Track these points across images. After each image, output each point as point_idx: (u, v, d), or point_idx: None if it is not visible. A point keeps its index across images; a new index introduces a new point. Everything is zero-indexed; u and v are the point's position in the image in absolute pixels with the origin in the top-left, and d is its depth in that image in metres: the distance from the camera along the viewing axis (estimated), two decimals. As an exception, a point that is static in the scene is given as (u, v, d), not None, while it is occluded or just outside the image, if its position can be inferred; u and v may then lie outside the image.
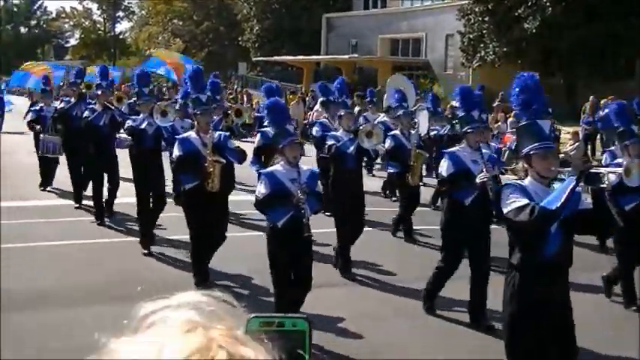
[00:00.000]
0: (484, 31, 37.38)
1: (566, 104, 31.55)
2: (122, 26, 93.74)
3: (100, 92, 13.22)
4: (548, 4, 33.07)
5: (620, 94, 27.75)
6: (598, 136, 23.27)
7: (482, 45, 37.69)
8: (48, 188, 16.59)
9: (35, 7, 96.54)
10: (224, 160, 9.06)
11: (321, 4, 55.05)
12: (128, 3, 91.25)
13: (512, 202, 5.57)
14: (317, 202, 7.80)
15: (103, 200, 13.20)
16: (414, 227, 12.78)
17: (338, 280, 10.14)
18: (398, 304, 9.28)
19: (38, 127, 16.19)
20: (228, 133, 9.81)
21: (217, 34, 74.29)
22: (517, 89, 6.09)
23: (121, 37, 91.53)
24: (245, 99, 39.75)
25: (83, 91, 15.51)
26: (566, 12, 32.64)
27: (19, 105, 30.71)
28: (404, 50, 50.05)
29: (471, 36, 38.50)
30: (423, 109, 15.61)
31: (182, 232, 10.60)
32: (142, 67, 18.34)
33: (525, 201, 5.50)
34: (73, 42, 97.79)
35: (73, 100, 14.98)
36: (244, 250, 10.73)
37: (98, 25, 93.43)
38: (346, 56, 49.07)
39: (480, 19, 37.39)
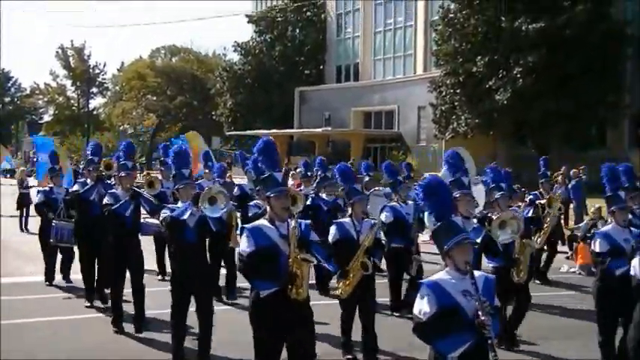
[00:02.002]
0: (456, 103, 37.74)
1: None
2: (96, 102, 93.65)
3: (123, 174, 10.74)
4: (518, 75, 33.49)
5: (593, 163, 27.98)
6: (571, 205, 23.24)
7: (454, 117, 37.99)
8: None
9: (9, 84, 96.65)
10: (314, 259, 6.84)
11: (293, 78, 55.57)
12: (102, 79, 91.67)
13: None
14: (500, 323, 5.51)
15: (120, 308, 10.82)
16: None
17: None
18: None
19: (50, 214, 13.80)
20: (309, 221, 7.49)
21: (191, 108, 74.64)
22: None
23: (94, 112, 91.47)
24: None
25: (102, 172, 12.66)
26: (536, 83, 33.05)
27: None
28: (377, 122, 50.41)
29: (443, 108, 38.83)
30: (478, 183, 13.66)
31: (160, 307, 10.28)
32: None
33: None
34: (47, 118, 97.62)
35: (89, 181, 12.51)
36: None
37: (72, 101, 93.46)
38: (319, 129, 49.29)
39: (452, 91, 37.78)
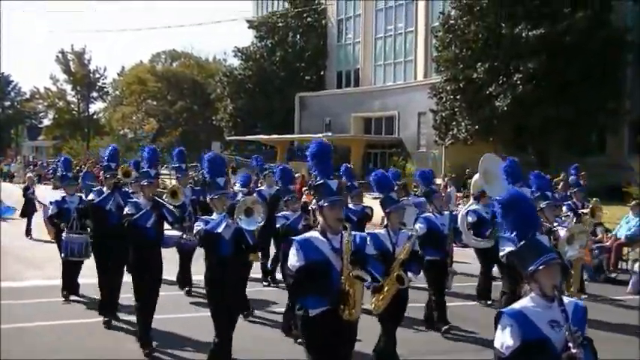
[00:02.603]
0: (456, 109, 37.76)
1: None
2: (96, 106, 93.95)
3: (146, 183, 9.97)
4: (518, 82, 33.52)
5: (592, 169, 28.01)
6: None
7: (454, 123, 38.01)
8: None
9: (9, 88, 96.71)
10: (368, 277, 6.14)
11: (294, 84, 55.63)
12: (102, 83, 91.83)
13: None
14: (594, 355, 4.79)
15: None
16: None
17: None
18: None
19: (62, 224, 12.89)
20: (365, 234, 6.84)
21: (191, 113, 74.77)
22: None
23: (94, 117, 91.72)
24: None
25: (119, 179, 11.67)
26: (536, 90, 33.08)
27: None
28: (377, 128, 50.44)
29: (443, 114, 38.85)
30: None
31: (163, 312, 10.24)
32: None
33: None
34: (46, 122, 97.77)
35: (105, 189, 11.62)
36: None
37: (72, 106, 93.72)
38: (320, 135, 49.26)
39: (452, 97, 37.81)
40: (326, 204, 6.24)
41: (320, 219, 6.33)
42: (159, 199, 9.94)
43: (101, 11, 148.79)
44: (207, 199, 8.70)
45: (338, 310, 6.02)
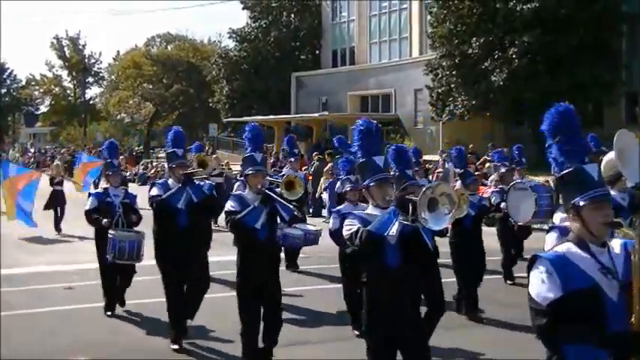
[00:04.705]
0: (452, 85, 37.72)
1: (537, 153, 31.75)
2: (92, 92, 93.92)
3: (252, 171, 8.03)
4: (514, 56, 33.50)
5: (590, 141, 28.02)
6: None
7: (450, 99, 37.99)
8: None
9: (5, 76, 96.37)
10: None
11: (289, 64, 55.51)
12: (98, 68, 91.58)
13: None
14: None
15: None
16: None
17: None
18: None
19: (105, 220, 10.74)
20: (630, 241, 4.62)
21: (187, 96, 74.52)
22: None
23: (91, 102, 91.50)
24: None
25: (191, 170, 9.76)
26: (532, 63, 33.06)
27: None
28: (374, 106, 50.37)
29: (440, 90, 38.82)
30: None
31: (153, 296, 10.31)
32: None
33: None
34: (43, 109, 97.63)
35: (171, 182, 9.54)
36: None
37: (68, 92, 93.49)
38: (316, 114, 49.27)
39: (448, 73, 37.76)
40: (584, 202, 4.19)
41: (574, 225, 4.29)
42: (270, 193, 7.99)
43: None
44: (360, 185, 6.57)
45: None
